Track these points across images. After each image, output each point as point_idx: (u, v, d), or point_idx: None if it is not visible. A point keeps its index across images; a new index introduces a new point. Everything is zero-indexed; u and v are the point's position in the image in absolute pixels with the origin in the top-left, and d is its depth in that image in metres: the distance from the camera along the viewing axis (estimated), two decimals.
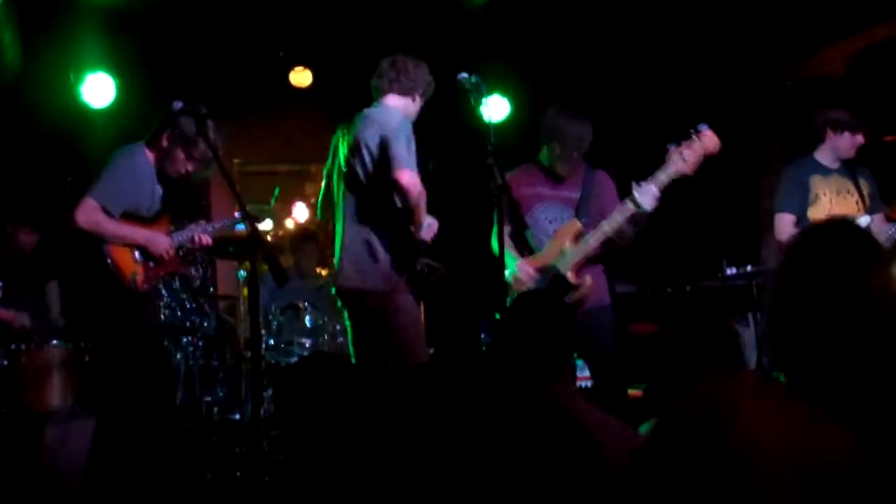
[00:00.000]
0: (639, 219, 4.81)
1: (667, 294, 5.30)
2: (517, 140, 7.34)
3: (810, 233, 2.05)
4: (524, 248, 5.15)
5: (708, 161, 4.79)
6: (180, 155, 5.09)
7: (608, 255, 5.08)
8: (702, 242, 5.37)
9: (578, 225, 5.01)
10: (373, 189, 4.91)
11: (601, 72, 5.12)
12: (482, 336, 8.22)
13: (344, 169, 5.03)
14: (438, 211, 5.62)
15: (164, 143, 5.07)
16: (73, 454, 5.06)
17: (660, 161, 4.85)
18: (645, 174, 4.85)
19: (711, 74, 7.72)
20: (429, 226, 5.04)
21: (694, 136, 4.76)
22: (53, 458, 5.12)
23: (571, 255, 4.94)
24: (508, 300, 4.87)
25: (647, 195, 4.72)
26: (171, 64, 7.45)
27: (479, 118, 4.80)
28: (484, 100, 4.84)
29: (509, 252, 5.05)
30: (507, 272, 4.99)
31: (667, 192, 4.86)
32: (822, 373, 1.85)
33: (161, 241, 5.12)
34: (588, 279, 4.95)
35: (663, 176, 4.76)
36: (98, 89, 7.07)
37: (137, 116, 6.99)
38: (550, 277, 4.94)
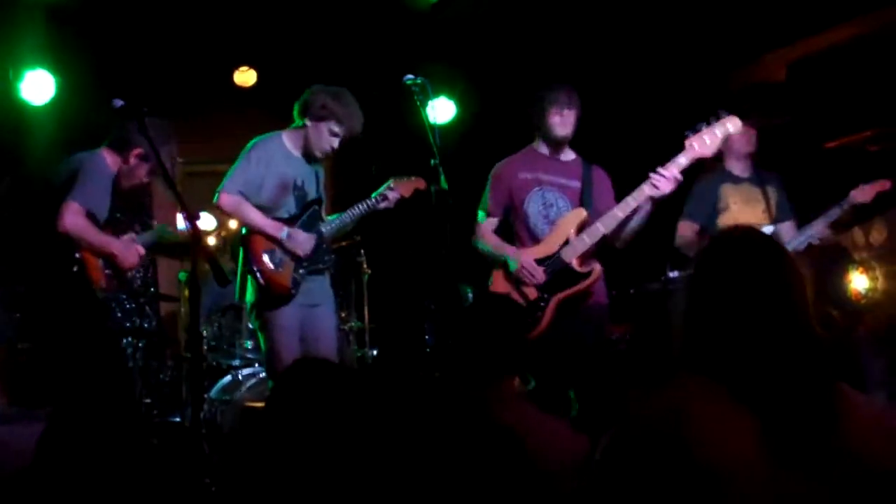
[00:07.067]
0: (650, 204, 4.79)
1: (611, 296, 5.31)
2: (463, 142, 7.35)
3: (717, 240, 2.11)
4: (518, 239, 5.10)
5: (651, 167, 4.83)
6: (144, 170, 5.01)
7: (602, 255, 5.02)
8: (646, 247, 5.40)
9: (584, 214, 4.94)
10: None
11: (546, 75, 5.15)
12: (427, 338, 8.20)
13: None
14: (384, 213, 5.60)
15: (133, 160, 4.98)
16: (17, 455, 4.95)
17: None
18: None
19: (652, 80, 7.78)
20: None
21: (714, 122, 4.78)
22: None
23: (578, 243, 4.87)
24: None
25: (666, 179, 4.71)
26: (113, 61, 7.33)
27: (424, 120, 4.79)
28: (429, 102, 4.83)
29: (495, 247, 5.07)
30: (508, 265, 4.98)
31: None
32: (738, 370, 1.89)
33: (132, 253, 5.01)
34: (598, 267, 4.90)
35: (684, 160, 4.76)
36: (37, 86, 6.92)
37: (78, 114, 6.88)
38: (556, 267, 4.88)
